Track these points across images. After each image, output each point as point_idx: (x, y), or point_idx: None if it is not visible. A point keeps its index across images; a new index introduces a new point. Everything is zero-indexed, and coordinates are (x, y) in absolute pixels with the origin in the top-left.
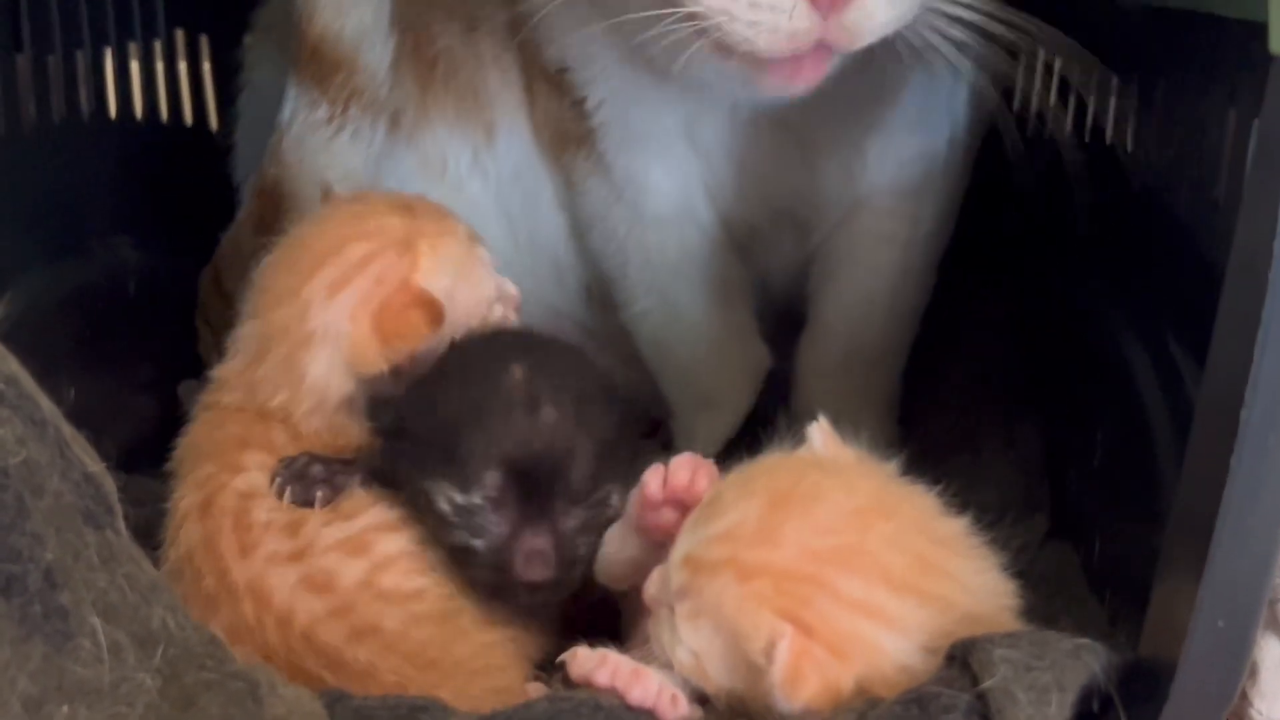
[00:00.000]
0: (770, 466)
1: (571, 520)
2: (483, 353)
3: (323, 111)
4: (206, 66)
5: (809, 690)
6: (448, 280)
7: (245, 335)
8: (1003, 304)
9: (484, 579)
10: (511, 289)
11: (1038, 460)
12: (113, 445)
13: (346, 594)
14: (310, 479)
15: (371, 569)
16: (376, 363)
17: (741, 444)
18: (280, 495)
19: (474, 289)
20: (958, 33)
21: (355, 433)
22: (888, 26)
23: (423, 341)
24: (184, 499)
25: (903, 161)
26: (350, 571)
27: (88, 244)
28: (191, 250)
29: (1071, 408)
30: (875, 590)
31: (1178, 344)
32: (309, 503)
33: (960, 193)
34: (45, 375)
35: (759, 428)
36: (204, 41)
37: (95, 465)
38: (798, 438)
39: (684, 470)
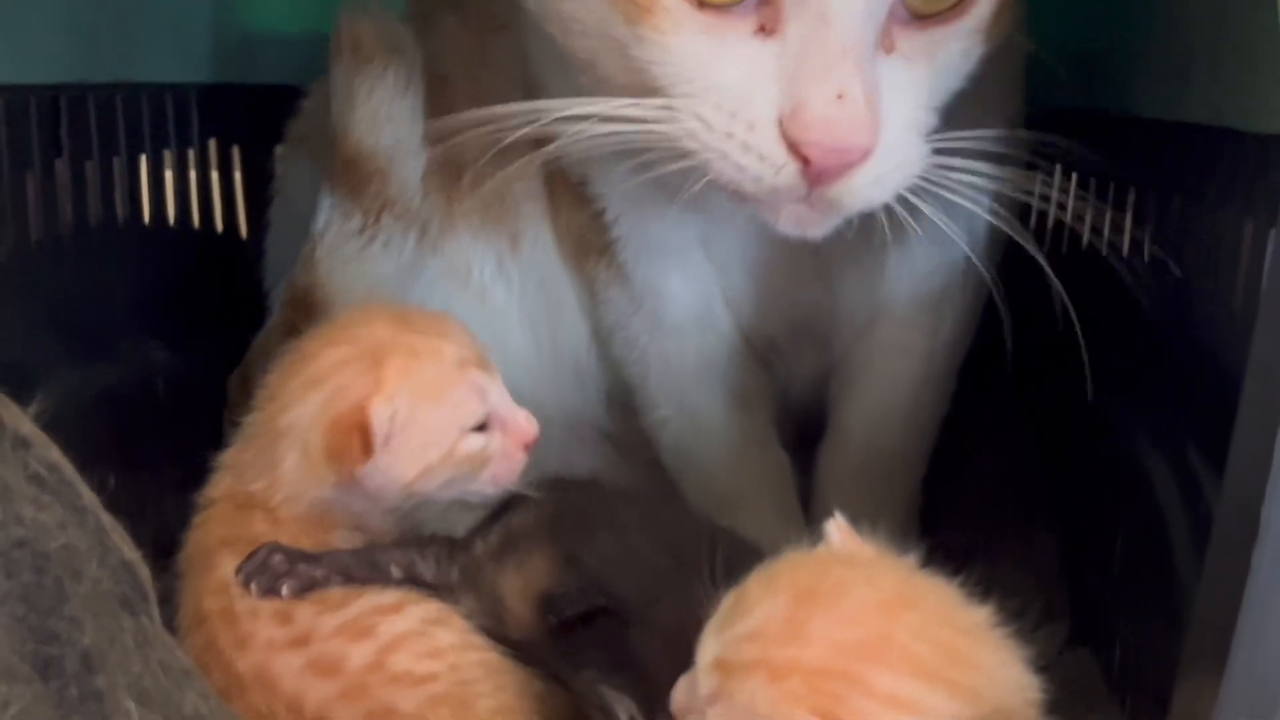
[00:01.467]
0: (792, 564)
1: None
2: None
3: (356, 222)
4: (238, 175)
5: None
6: (406, 406)
7: (244, 425)
8: (1022, 410)
9: None
10: (522, 422)
11: (1057, 566)
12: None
13: (356, 675)
14: (273, 570)
15: (380, 650)
16: (325, 476)
17: None
18: (245, 586)
19: (445, 416)
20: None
21: (337, 531)
22: (872, 203)
23: (361, 467)
24: (183, 609)
25: (921, 275)
26: (358, 654)
27: (119, 345)
28: (221, 354)
29: (1090, 515)
30: (905, 682)
31: (1196, 452)
32: (275, 592)
33: (980, 303)
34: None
35: None
36: (236, 151)
37: (132, 553)
38: (816, 537)
39: None
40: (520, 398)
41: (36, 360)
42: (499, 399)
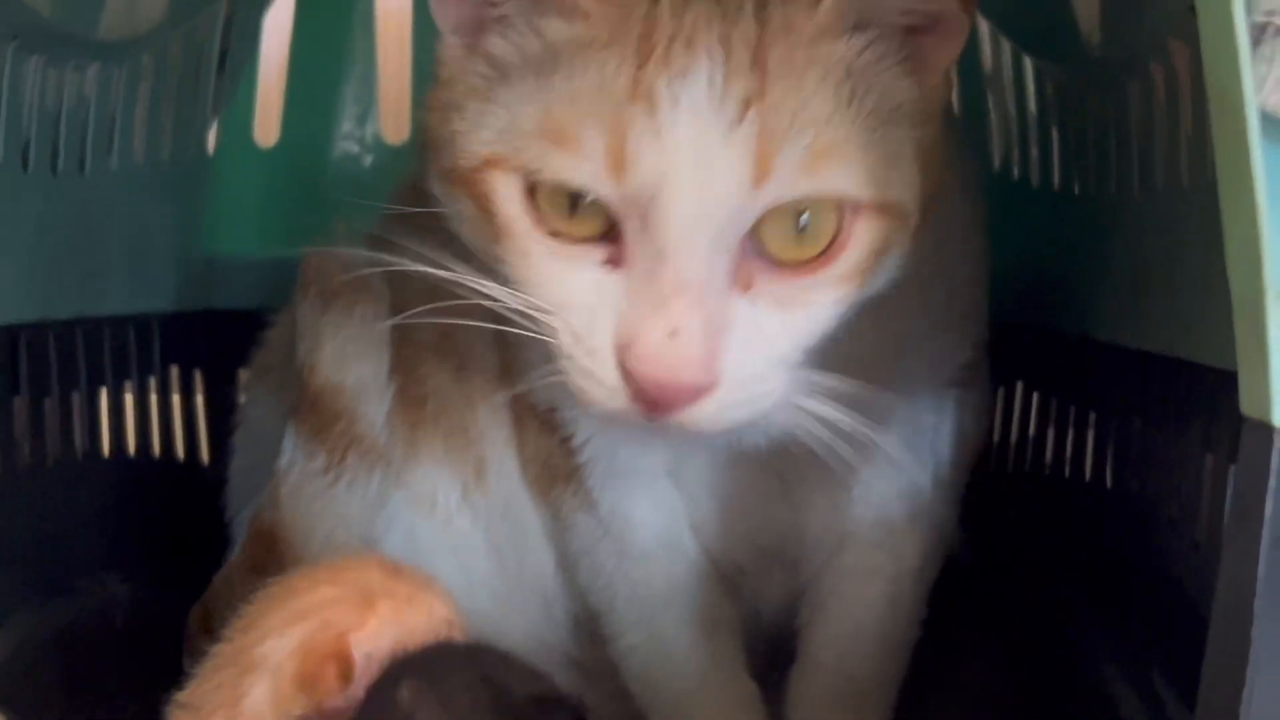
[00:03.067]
0: None
1: None
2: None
3: (320, 461)
4: (200, 400)
5: None
6: (388, 650)
7: (210, 655)
8: (994, 635)
9: None
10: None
11: None
12: None
13: None
14: None
15: None
16: (291, 709)
17: None
18: None
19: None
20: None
21: None
22: (721, 430)
23: (334, 700)
24: None
25: (888, 498)
26: None
27: (77, 581)
28: (180, 583)
29: None
30: None
31: (1163, 680)
32: None
33: (948, 528)
34: (34, 713)
35: None
36: (198, 376)
37: None
38: None
39: None
40: (486, 624)
41: None
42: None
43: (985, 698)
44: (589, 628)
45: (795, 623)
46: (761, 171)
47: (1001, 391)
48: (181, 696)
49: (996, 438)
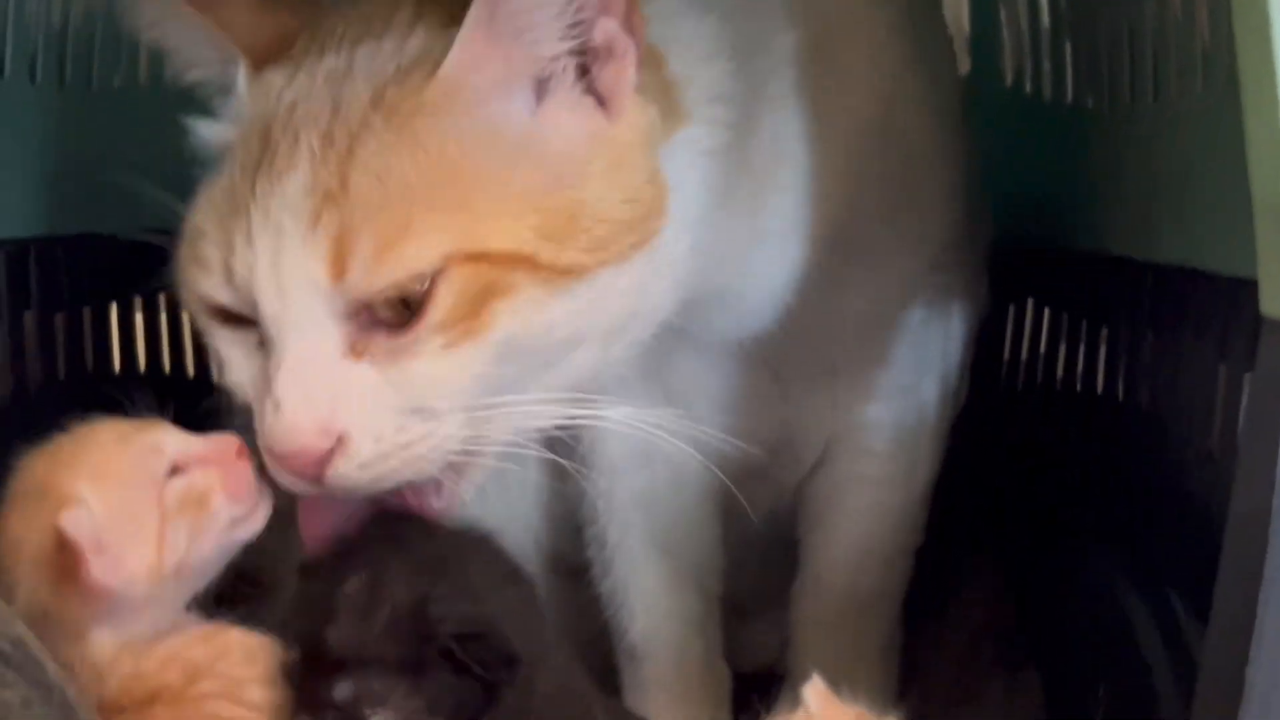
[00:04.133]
0: None
1: None
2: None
3: None
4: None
5: None
6: (92, 497)
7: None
8: (1002, 556)
9: None
10: (215, 443)
11: (1039, 712)
12: None
13: None
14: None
15: None
16: (77, 613)
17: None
18: None
19: (138, 485)
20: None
21: (157, 670)
22: (382, 485)
23: (89, 574)
24: None
25: (884, 396)
26: None
27: None
28: None
29: (1073, 660)
30: None
31: (1177, 594)
32: None
33: (947, 433)
34: None
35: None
36: None
37: None
38: (793, 694)
39: None
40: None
41: None
42: (176, 440)
43: (996, 616)
44: (578, 533)
45: (794, 534)
46: (337, 270)
47: (1012, 310)
48: None
49: (1007, 355)
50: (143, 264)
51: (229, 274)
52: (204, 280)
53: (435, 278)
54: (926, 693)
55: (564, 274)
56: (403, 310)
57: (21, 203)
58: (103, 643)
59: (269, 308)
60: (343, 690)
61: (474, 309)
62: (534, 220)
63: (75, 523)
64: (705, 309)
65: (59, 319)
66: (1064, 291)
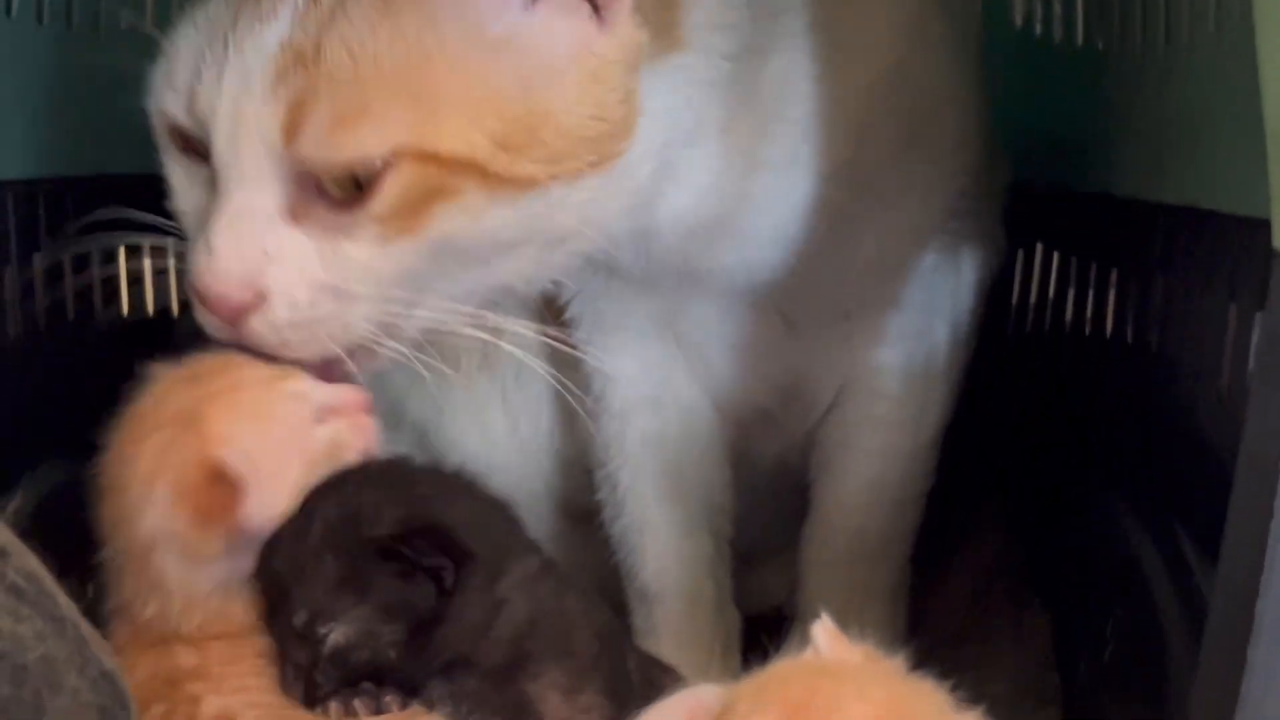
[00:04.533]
0: (782, 677)
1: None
2: None
3: None
4: None
5: None
6: (250, 435)
7: (107, 564)
8: (1010, 494)
9: None
10: (348, 395)
11: (1047, 650)
12: None
13: None
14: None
15: None
16: (212, 548)
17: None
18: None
19: (291, 430)
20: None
21: (239, 612)
22: (290, 351)
23: (239, 513)
24: None
25: (892, 344)
26: None
27: (99, 440)
28: None
29: (1080, 598)
30: None
31: (1186, 534)
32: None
33: (958, 377)
34: (59, 570)
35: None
36: None
37: (111, 662)
38: (803, 635)
39: None
40: (503, 475)
41: (15, 458)
42: (317, 389)
43: (1005, 557)
44: (589, 478)
45: (805, 483)
46: (290, 134)
47: (1021, 254)
48: (111, 605)
49: (1015, 299)
50: (151, 206)
51: (192, 101)
52: (170, 99)
53: (383, 168)
54: (934, 632)
55: (513, 184)
56: (350, 188)
57: (29, 144)
58: (211, 577)
59: (221, 151)
60: (300, 617)
61: (415, 208)
62: (493, 126)
63: (239, 461)
64: (710, 242)
65: (67, 261)
66: (1074, 235)
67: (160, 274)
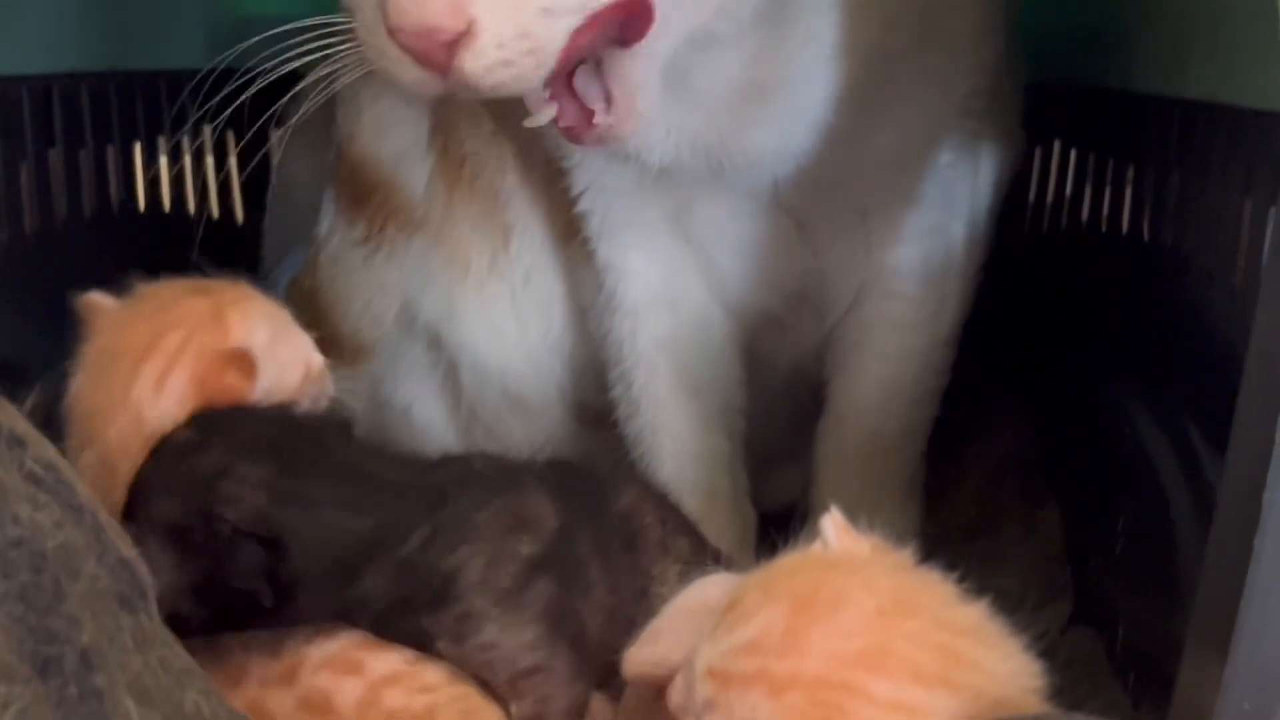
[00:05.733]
0: (790, 569)
1: None
2: None
3: (359, 231)
4: (233, 161)
5: None
6: (264, 335)
7: (85, 470)
8: (1023, 391)
9: None
10: (318, 360)
11: (1059, 546)
12: None
13: (348, 714)
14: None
15: (369, 688)
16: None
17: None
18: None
19: (292, 347)
20: None
21: None
22: (505, 85)
23: (247, 398)
24: None
25: (908, 242)
26: (348, 691)
27: None
28: None
29: (1092, 494)
30: (906, 689)
31: (1197, 430)
32: None
33: (975, 277)
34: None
35: (771, 527)
36: (231, 136)
37: (129, 550)
38: (813, 529)
39: None
40: (513, 378)
41: (32, 354)
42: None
43: (1017, 452)
44: (601, 379)
45: (821, 377)
46: None
47: (1038, 152)
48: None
49: (1032, 198)
50: (168, 102)
51: None
52: None
53: None
54: (946, 526)
55: None
56: None
57: (45, 39)
58: None
59: None
60: None
61: None
62: None
63: (260, 350)
64: (745, 116)
65: (83, 155)
66: (1090, 132)
67: (176, 171)
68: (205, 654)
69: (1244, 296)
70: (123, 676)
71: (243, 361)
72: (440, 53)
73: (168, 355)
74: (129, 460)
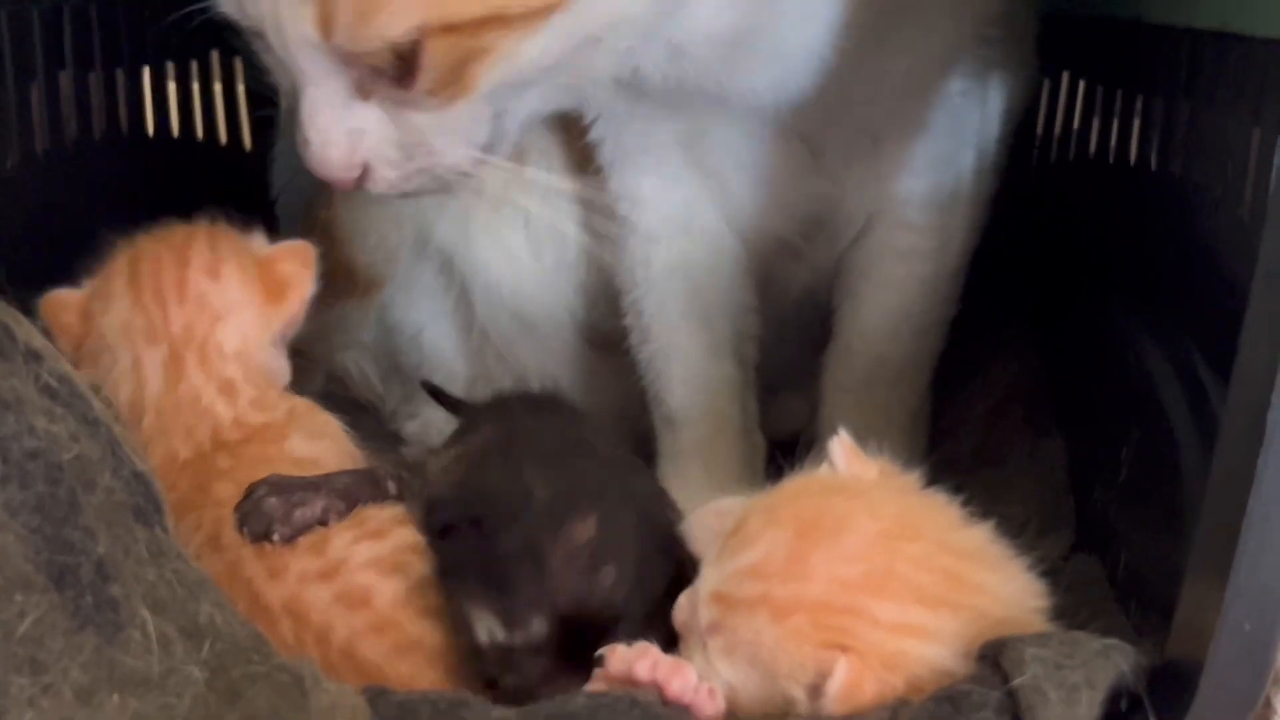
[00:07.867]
0: (794, 493)
1: None
2: (553, 491)
3: None
4: (241, 88)
5: (867, 706)
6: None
7: (145, 370)
8: (1028, 320)
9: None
10: None
11: (1062, 474)
12: None
13: (385, 610)
14: (266, 515)
15: (411, 588)
16: (271, 326)
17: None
18: (240, 529)
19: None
20: None
21: (279, 401)
22: (419, 188)
23: (307, 293)
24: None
25: (920, 172)
26: (387, 589)
27: None
28: None
29: (1096, 422)
30: (909, 610)
31: (1202, 359)
32: (266, 536)
33: (985, 207)
34: None
35: (780, 454)
36: (238, 63)
37: (143, 464)
38: (820, 453)
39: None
40: (525, 300)
41: (42, 272)
42: None
43: (1022, 381)
44: (613, 304)
45: (830, 306)
46: (325, 29)
47: (1047, 84)
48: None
49: (1040, 130)
50: (177, 28)
51: (241, 6)
52: (226, 3)
53: (416, 48)
54: (951, 454)
55: (536, 15)
56: (399, 65)
57: None
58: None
59: (279, 51)
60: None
61: (458, 74)
62: None
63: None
64: (741, 60)
65: (93, 79)
66: (1100, 62)
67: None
68: (248, 549)
69: (1251, 225)
70: (138, 587)
71: (304, 253)
72: (351, 185)
73: (211, 252)
74: (192, 344)
